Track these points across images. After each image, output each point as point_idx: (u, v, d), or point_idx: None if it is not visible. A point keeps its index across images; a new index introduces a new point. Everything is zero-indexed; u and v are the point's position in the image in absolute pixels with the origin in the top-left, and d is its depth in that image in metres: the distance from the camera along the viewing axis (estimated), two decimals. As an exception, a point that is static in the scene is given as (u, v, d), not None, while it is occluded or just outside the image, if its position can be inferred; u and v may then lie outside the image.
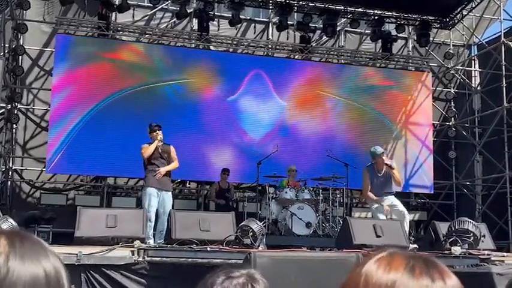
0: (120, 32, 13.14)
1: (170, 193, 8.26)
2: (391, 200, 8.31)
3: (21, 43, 12.55)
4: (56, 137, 11.59)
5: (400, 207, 8.21)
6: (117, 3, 12.86)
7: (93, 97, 11.91)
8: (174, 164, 8.36)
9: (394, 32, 14.25)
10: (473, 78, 15.55)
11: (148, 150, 8.15)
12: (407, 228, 7.80)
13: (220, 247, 6.06)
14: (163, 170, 8.13)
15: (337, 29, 14.26)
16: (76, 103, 11.79)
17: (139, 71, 12.35)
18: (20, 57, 12.53)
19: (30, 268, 0.95)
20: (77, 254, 5.32)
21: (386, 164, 8.35)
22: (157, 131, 8.22)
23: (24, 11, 12.44)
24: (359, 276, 1.01)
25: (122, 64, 12.30)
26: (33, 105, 12.92)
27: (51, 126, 11.75)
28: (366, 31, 14.68)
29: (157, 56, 12.71)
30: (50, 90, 11.99)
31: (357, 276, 1.02)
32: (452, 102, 14.97)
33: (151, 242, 7.28)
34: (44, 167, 11.95)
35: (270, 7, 13.59)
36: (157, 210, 8.00)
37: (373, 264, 1.02)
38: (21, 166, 12.78)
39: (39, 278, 0.95)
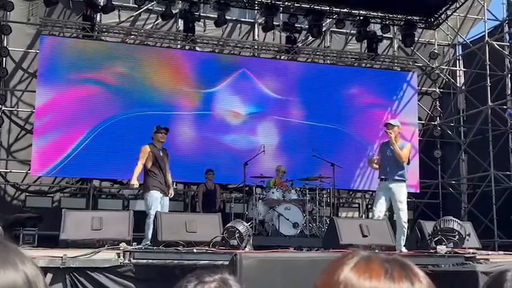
0: (105, 33, 13.07)
1: (168, 197, 8.32)
2: (393, 190, 7.81)
3: (5, 45, 12.44)
4: (42, 146, 11.52)
5: (399, 204, 7.77)
6: (101, 4, 12.81)
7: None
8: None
9: (379, 32, 14.33)
10: (458, 78, 15.66)
11: (138, 165, 8.09)
12: (405, 231, 7.65)
13: (207, 248, 6.05)
14: (172, 191, 8.40)
15: (323, 30, 14.31)
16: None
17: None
18: (4, 59, 12.41)
19: (3, 277, 0.93)
20: (62, 257, 5.28)
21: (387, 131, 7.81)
22: (164, 134, 8.24)
23: (8, 12, 12.33)
24: (337, 285, 1.01)
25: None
26: (17, 108, 12.82)
27: (36, 135, 11.63)
28: (352, 31, 14.75)
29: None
30: (34, 92, 11.90)
31: (334, 284, 1.01)
32: (437, 102, 15.07)
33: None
34: (29, 170, 11.86)
35: (256, 8, 13.60)
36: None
37: (351, 272, 1.01)
38: (6, 169, 12.67)
39: (14, 287, 0.93)
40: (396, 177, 7.87)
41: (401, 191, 7.92)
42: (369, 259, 1.03)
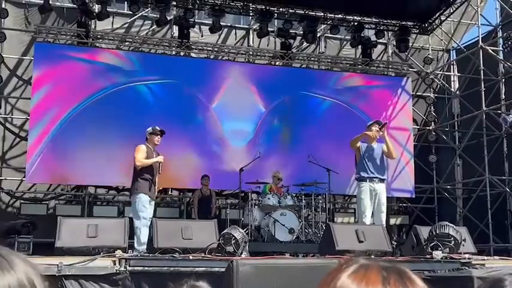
0: (100, 40, 13.06)
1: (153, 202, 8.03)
2: (378, 191, 7.91)
3: (-1, 52, 12.43)
4: (35, 143, 11.47)
5: (383, 206, 7.90)
6: (96, 10, 12.81)
7: (70, 99, 11.78)
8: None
9: (373, 38, 14.37)
10: (452, 83, 15.72)
11: (145, 162, 7.68)
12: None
13: (203, 255, 6.03)
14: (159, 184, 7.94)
15: (318, 35, 14.35)
16: (53, 106, 11.66)
17: (116, 72, 12.24)
18: (-1, 66, 12.40)
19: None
20: (57, 265, 5.25)
21: (379, 130, 7.94)
22: (160, 137, 7.83)
23: (2, 19, 12.32)
24: None
25: (100, 65, 12.17)
26: (12, 115, 12.79)
27: (30, 132, 11.61)
28: (346, 37, 14.79)
29: (137, 60, 12.65)
30: (29, 99, 11.87)
31: None
32: (432, 107, 15.12)
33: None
34: (24, 177, 11.81)
35: (251, 14, 13.62)
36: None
37: (348, 279, 1.01)
38: (1, 176, 12.63)
39: None
40: (382, 177, 8.04)
41: (384, 192, 8.09)
42: (367, 267, 1.03)
